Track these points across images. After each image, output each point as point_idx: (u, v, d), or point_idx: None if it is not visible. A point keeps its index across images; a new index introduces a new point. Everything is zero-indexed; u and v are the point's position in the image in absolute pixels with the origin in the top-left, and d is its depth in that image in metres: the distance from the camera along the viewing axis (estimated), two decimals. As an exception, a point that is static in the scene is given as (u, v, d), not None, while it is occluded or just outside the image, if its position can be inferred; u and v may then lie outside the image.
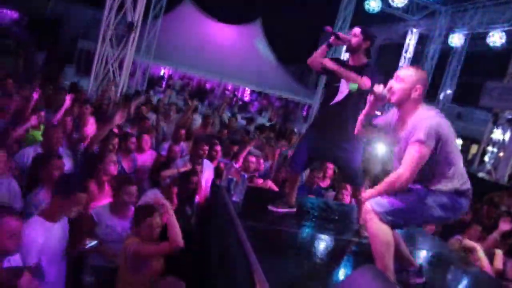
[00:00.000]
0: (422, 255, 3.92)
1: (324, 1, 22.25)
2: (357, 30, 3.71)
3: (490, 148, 16.24)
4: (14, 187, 3.64)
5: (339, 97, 3.71)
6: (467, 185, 2.67)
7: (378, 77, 3.31)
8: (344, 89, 3.67)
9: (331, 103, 3.76)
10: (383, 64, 22.33)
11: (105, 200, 4.18)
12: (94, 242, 3.51)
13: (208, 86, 25.65)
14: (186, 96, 18.73)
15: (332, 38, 3.78)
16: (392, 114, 2.93)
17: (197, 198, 4.93)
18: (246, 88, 25.74)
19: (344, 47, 3.82)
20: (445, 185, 2.61)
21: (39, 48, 19.71)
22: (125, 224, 3.87)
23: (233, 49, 22.98)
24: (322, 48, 3.83)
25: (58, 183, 3.19)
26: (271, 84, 22.48)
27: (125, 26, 9.56)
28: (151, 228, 3.31)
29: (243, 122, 13.71)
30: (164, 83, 23.59)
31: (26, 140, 5.18)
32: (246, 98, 26.29)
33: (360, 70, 3.56)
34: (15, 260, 2.54)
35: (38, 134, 5.31)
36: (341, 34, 3.81)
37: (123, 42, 10.49)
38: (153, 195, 4.27)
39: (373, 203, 2.63)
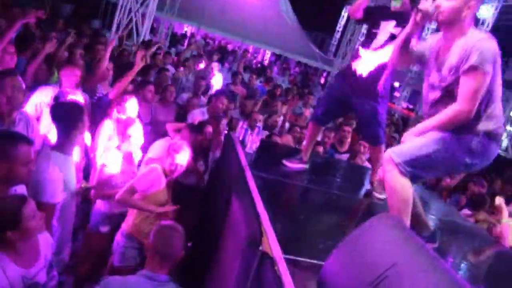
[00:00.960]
0: (435, 221, 3.84)
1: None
2: None
3: (508, 127, 15.95)
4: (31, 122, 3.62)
5: (373, 45, 3.56)
6: (502, 129, 2.39)
7: None
8: (381, 37, 3.51)
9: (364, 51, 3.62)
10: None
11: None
12: (89, 185, 3.53)
13: (229, 47, 25.32)
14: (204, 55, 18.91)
15: None
16: (431, 41, 2.61)
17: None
18: (267, 51, 25.32)
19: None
20: (478, 125, 2.33)
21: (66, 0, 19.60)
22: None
23: (256, 10, 22.49)
24: None
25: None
26: (292, 48, 22.04)
27: None
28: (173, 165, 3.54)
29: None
30: (186, 41, 23.36)
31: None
32: (266, 61, 25.92)
33: None
34: (21, 188, 2.52)
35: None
36: None
37: None
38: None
39: (392, 152, 2.39)
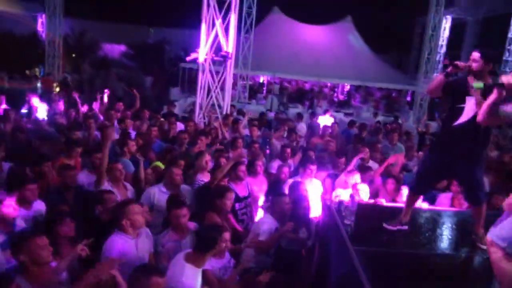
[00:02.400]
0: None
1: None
2: (476, 55, 3.52)
3: None
4: (149, 233, 3.95)
5: (464, 118, 3.56)
6: None
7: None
8: (469, 109, 3.51)
9: (455, 124, 3.62)
10: (488, 39, 20.64)
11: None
12: None
13: (307, 86, 25.68)
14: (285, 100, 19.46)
15: (450, 68, 3.64)
16: None
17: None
18: (345, 84, 25.26)
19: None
20: None
21: (146, 73, 21.36)
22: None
23: (327, 47, 22.75)
24: (440, 78, 3.70)
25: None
26: (369, 76, 21.79)
27: (221, 56, 9.88)
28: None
29: (346, 119, 13.55)
30: (264, 89, 24.18)
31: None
32: (345, 94, 25.82)
33: None
34: None
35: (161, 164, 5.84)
36: (459, 63, 3.63)
37: (222, 67, 10.87)
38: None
39: (495, 237, 2.42)
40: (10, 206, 3.56)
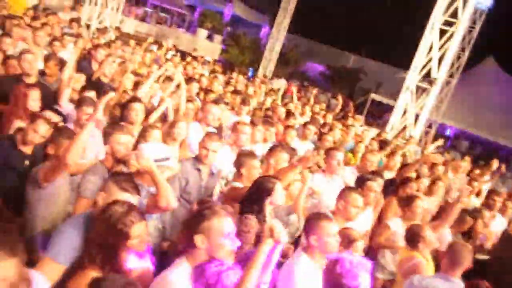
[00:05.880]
0: None
1: None
2: None
3: None
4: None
5: None
6: None
7: None
8: None
9: None
10: None
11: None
12: None
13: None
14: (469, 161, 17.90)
15: None
16: None
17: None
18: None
19: None
20: None
21: (334, 96, 22.46)
22: None
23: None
24: None
25: None
26: None
27: (427, 81, 10.27)
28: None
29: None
30: (449, 142, 23.03)
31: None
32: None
33: None
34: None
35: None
36: None
37: (422, 95, 11.20)
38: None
39: None
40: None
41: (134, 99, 4.76)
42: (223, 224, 2.37)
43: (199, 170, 4.05)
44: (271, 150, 4.62)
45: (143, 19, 23.08)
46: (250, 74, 20.93)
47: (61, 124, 4.26)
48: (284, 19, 19.92)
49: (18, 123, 4.16)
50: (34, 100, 4.34)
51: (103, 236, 2.35)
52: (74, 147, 2.98)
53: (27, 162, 3.69)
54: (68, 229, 2.63)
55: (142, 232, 2.45)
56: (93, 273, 2.26)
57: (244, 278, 2.22)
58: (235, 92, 8.90)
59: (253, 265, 2.26)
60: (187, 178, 3.96)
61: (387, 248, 4.59)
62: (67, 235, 2.58)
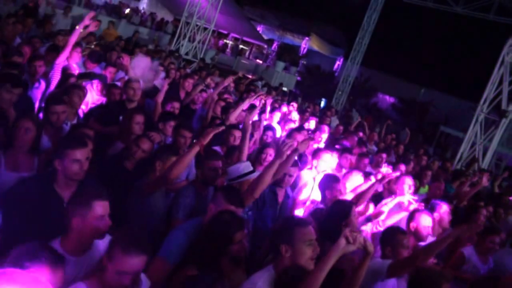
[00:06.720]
0: None
1: None
2: None
3: None
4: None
5: None
6: None
7: None
8: None
9: None
10: None
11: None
12: None
13: None
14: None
15: None
16: None
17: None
18: None
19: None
20: None
21: (403, 127, 22.82)
22: None
23: None
24: None
25: None
26: None
27: (497, 113, 10.80)
28: None
29: None
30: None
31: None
32: None
33: None
34: None
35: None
36: None
37: (491, 127, 11.76)
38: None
39: None
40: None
41: (234, 126, 5.30)
42: (305, 232, 2.58)
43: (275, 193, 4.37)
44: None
45: (223, 51, 25.07)
46: (323, 104, 22.07)
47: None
48: (358, 53, 21.06)
49: (119, 144, 4.49)
50: (137, 124, 4.57)
51: (211, 241, 2.66)
52: (179, 164, 3.27)
53: (129, 177, 3.84)
54: (179, 234, 2.97)
55: (242, 238, 2.74)
56: (190, 271, 2.57)
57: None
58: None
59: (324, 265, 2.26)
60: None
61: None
62: (178, 239, 2.91)
